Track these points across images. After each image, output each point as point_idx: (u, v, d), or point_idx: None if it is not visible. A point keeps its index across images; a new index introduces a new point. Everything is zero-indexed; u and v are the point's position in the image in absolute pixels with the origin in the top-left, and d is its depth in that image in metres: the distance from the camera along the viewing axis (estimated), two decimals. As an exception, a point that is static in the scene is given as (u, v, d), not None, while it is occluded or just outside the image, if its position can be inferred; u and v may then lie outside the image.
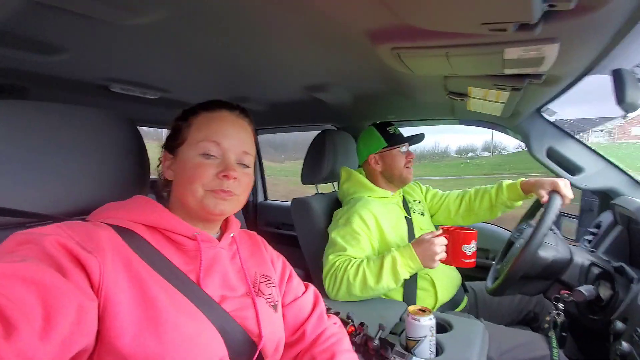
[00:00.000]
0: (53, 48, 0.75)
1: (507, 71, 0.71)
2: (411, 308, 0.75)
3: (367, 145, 1.23)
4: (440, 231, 0.96)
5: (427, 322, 0.71)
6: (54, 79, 0.97)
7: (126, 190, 0.62)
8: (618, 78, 0.60)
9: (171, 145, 0.59)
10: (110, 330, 0.41)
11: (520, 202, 1.18)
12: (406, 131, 1.28)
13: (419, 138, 1.24)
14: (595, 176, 1.19)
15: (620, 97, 0.60)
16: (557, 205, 0.92)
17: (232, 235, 0.62)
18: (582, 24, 0.49)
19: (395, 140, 1.19)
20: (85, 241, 0.43)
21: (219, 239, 0.60)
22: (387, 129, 1.22)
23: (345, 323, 0.74)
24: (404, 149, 1.21)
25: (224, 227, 0.64)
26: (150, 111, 1.51)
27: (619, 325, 0.72)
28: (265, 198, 2.39)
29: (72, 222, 0.46)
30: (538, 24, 0.47)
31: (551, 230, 0.91)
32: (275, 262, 0.69)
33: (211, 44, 0.73)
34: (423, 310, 0.74)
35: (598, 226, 1.18)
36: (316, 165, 1.36)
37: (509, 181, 1.19)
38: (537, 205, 1.11)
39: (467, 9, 0.44)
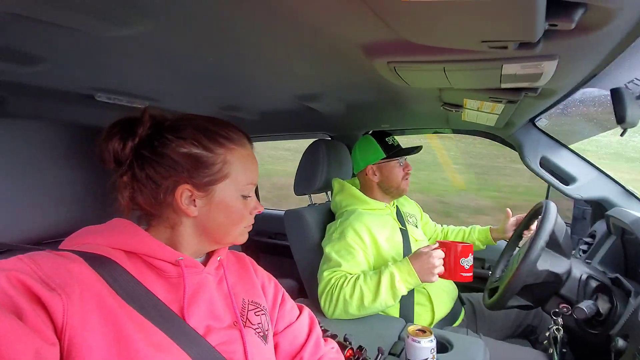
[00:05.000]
0: (33, 58, 0.71)
1: (505, 85, 0.70)
2: (411, 329, 0.73)
3: (365, 155, 1.21)
4: (437, 244, 0.94)
5: (428, 344, 0.69)
6: (34, 89, 0.93)
7: (107, 211, 0.59)
8: (617, 97, 0.60)
9: (200, 181, 0.51)
10: None
11: (484, 246, 1.34)
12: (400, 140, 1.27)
13: (417, 150, 1.23)
14: (588, 186, 1.20)
15: (621, 116, 0.59)
16: (553, 211, 0.89)
17: (219, 259, 0.59)
18: (581, 43, 0.48)
19: (394, 152, 1.18)
20: (50, 277, 0.40)
21: (205, 263, 0.56)
22: (386, 139, 1.20)
23: (343, 346, 0.71)
24: (402, 160, 1.19)
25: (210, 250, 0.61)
26: None
27: (621, 342, 0.71)
28: (257, 207, 2.35)
29: (37, 254, 0.42)
30: (539, 42, 0.46)
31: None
32: (266, 287, 0.65)
33: (201, 54, 0.71)
34: (423, 331, 0.72)
35: (592, 236, 1.18)
36: (310, 176, 1.34)
37: (480, 227, 1.37)
38: (513, 243, 1.14)
39: (468, 27, 0.43)
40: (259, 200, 0.62)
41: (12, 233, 0.50)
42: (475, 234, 1.33)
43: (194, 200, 0.52)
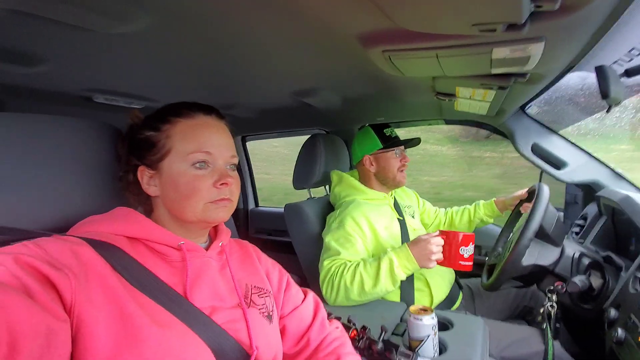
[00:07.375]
0: (32, 59, 0.72)
1: (495, 70, 0.72)
2: (412, 308, 0.75)
3: (362, 145, 1.23)
4: (438, 232, 0.96)
5: (430, 322, 0.71)
6: (33, 90, 0.94)
7: (115, 202, 0.60)
8: (601, 74, 0.63)
9: (150, 159, 0.55)
10: (86, 352, 0.39)
11: (492, 219, 1.35)
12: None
13: (414, 142, 1.25)
14: (579, 170, 1.24)
15: (605, 92, 0.62)
16: (546, 193, 0.91)
17: (221, 244, 0.60)
18: (565, 23, 0.50)
19: (391, 142, 1.20)
20: (56, 259, 0.41)
21: (207, 248, 0.58)
22: (384, 130, 1.23)
23: (347, 327, 0.73)
24: (399, 151, 1.22)
25: (213, 235, 0.63)
26: None
27: (613, 312, 0.74)
28: (257, 205, 2.36)
29: (41, 239, 0.44)
30: (525, 24, 0.48)
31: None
32: (270, 273, 0.67)
33: (197, 51, 0.72)
34: (424, 310, 0.74)
35: (584, 218, 1.22)
36: (308, 170, 1.36)
37: (484, 201, 1.37)
38: (513, 220, 1.17)
39: (459, 11, 0.45)
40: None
41: (23, 223, 0.51)
42: (480, 209, 1.34)
43: (152, 179, 0.56)
